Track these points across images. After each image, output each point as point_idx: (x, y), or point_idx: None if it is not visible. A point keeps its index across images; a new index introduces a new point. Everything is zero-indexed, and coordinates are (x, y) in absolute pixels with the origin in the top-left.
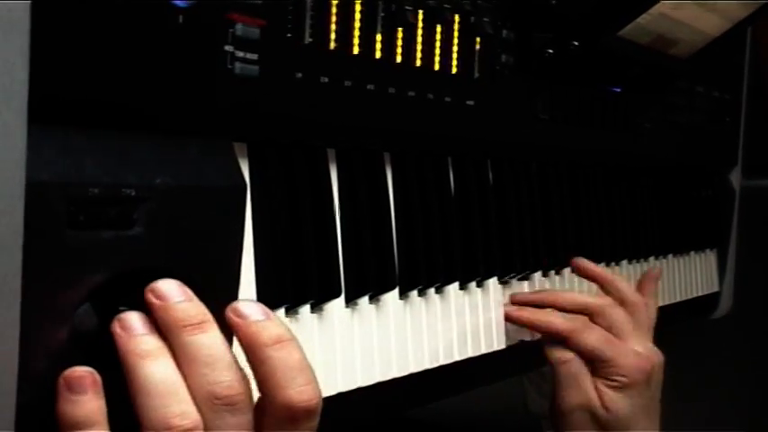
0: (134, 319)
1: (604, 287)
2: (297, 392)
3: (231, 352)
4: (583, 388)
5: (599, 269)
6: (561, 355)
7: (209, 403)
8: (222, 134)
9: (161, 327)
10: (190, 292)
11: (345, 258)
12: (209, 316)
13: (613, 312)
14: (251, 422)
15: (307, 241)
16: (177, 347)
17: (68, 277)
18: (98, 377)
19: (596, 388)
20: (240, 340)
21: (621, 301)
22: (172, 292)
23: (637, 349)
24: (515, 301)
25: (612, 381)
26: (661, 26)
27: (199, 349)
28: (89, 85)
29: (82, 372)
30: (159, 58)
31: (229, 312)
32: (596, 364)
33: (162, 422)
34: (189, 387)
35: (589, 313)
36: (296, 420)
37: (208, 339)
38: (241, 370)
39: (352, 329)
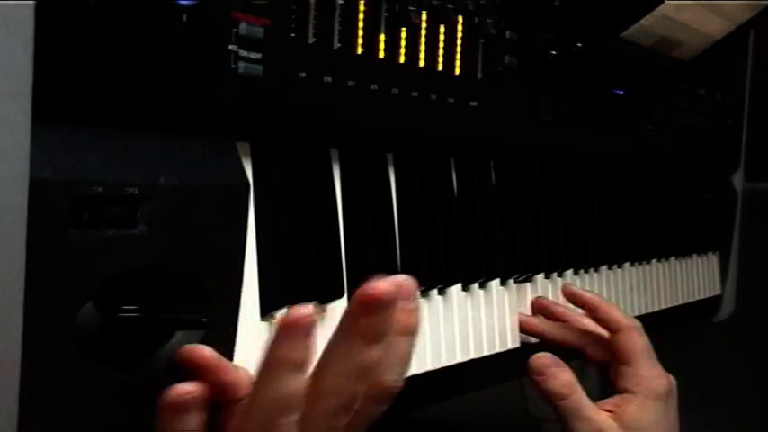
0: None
1: (594, 313)
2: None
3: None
4: (589, 416)
5: (588, 294)
6: (560, 391)
7: None
8: (225, 133)
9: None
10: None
11: (348, 259)
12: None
13: (638, 338)
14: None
15: (310, 241)
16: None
17: (72, 275)
18: (198, 394)
19: (616, 405)
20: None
21: (616, 328)
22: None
23: (658, 368)
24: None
25: (636, 393)
26: (664, 28)
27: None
28: (93, 84)
29: (186, 389)
30: (163, 57)
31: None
32: (626, 372)
33: None
34: None
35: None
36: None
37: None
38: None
39: None
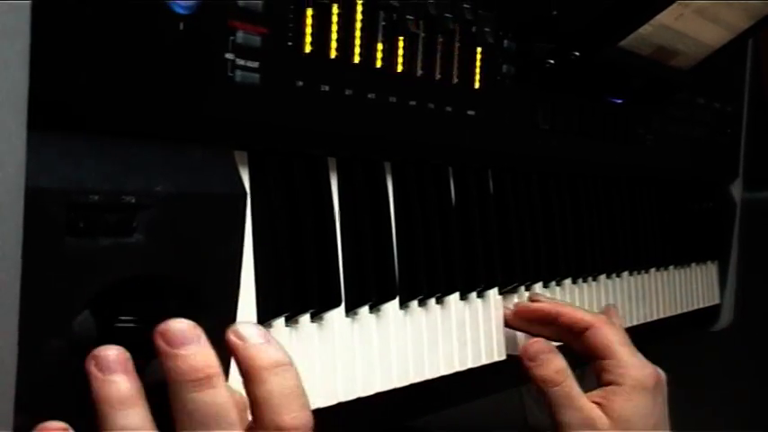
0: (110, 358)
1: (558, 321)
2: (291, 418)
3: (232, 403)
4: (580, 405)
5: (544, 306)
6: (553, 377)
7: None
8: (223, 142)
9: (164, 369)
10: (199, 334)
11: (346, 268)
12: (215, 368)
13: (609, 330)
14: None
15: (307, 250)
16: (177, 399)
17: (67, 284)
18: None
19: (602, 398)
20: (238, 362)
21: (585, 327)
22: (180, 338)
23: (642, 359)
24: (519, 313)
25: (622, 384)
26: (662, 37)
27: (200, 407)
28: (90, 92)
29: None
30: (160, 65)
31: (230, 334)
32: (607, 365)
33: None
34: None
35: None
36: None
37: (211, 397)
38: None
39: (353, 339)
